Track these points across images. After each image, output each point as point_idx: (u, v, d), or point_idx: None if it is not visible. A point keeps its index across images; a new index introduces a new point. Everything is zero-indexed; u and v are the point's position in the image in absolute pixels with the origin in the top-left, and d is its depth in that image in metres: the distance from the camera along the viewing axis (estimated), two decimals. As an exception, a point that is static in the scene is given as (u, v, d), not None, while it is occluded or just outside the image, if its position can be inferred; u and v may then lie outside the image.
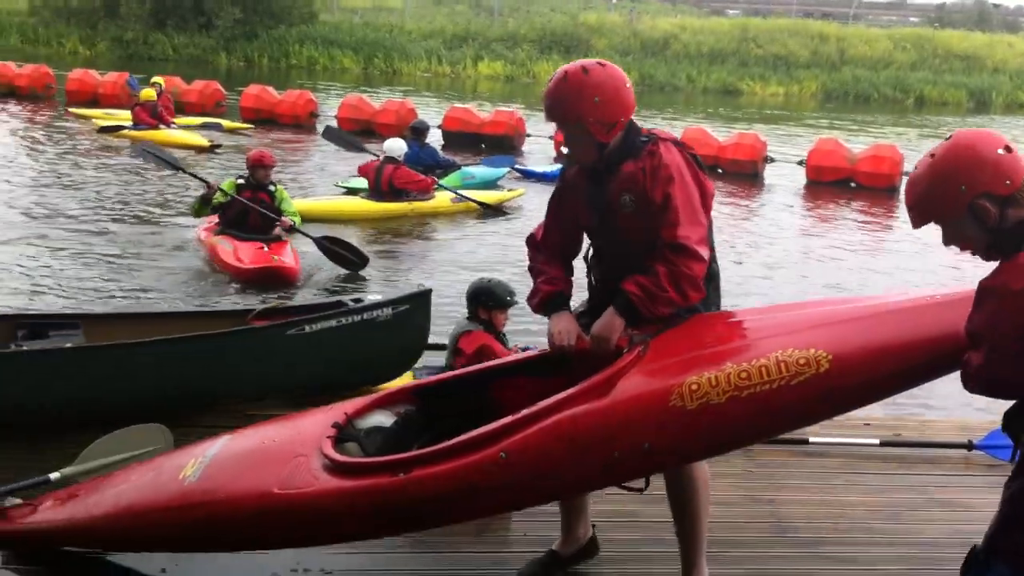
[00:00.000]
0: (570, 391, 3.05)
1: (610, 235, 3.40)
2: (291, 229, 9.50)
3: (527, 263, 3.58)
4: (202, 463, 3.45)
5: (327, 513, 3.18)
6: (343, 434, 3.39)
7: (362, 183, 12.70)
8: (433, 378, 3.83)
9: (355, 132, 19.10)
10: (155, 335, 5.40)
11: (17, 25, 43.66)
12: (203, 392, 5.26)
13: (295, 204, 10.08)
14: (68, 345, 5.24)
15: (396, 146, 12.28)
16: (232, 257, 9.04)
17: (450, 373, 3.93)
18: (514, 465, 2.99)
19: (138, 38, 42.65)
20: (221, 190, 9.43)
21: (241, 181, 9.51)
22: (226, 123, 19.66)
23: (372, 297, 6.16)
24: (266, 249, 9.20)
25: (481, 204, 12.59)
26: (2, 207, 11.10)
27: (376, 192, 12.08)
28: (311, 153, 17.38)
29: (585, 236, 3.54)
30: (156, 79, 20.65)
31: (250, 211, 9.39)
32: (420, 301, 5.84)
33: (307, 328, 5.43)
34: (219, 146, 16.52)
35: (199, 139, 16.89)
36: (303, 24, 45.60)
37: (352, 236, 10.59)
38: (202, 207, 9.56)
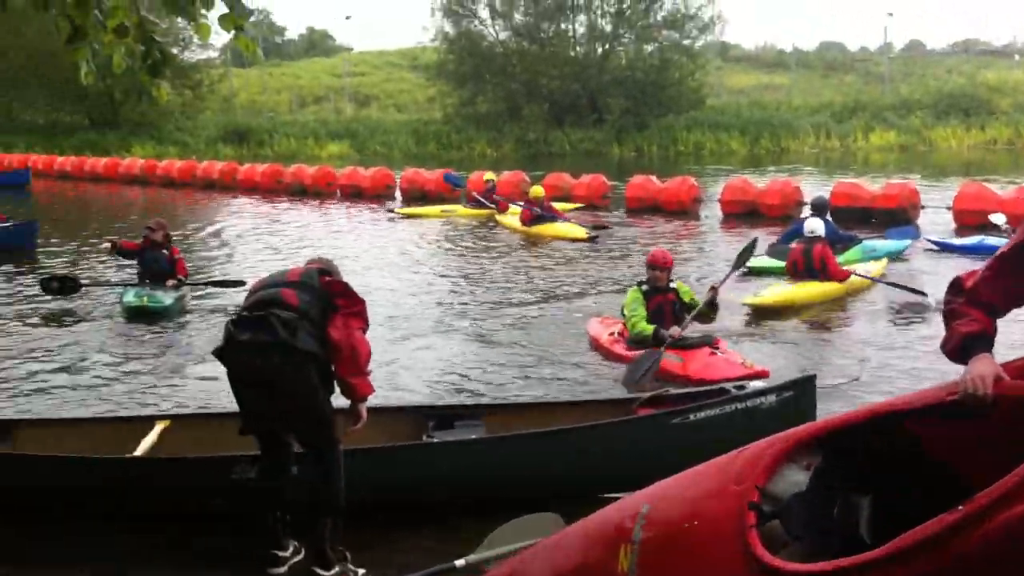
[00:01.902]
0: None
1: None
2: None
3: (943, 307, 3.14)
4: (634, 552, 3.14)
5: None
6: (754, 506, 2.88)
7: (768, 263, 12.71)
8: (835, 418, 3.22)
9: (740, 215, 19.31)
10: (550, 424, 5.67)
11: (433, 133, 48.32)
12: (592, 480, 5.42)
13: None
14: (472, 437, 5.66)
15: (818, 225, 11.90)
16: (689, 369, 8.08)
17: (856, 412, 3.23)
18: None
19: (539, 137, 45.70)
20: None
21: (645, 286, 8.81)
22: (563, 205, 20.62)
23: (755, 384, 6.10)
24: (719, 353, 8.34)
25: (903, 287, 11.48)
26: (403, 302, 11.94)
27: (807, 273, 11.50)
28: (697, 240, 17.47)
29: None
30: (489, 175, 22.60)
31: (665, 316, 8.66)
32: (805, 388, 5.64)
33: (691, 417, 5.44)
34: (597, 236, 17.08)
35: (578, 230, 17.58)
36: (690, 110, 46.46)
37: (791, 326, 10.42)
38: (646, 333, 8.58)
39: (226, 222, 22.10)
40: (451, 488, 5.26)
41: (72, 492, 5.12)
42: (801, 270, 11.61)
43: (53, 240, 17.93)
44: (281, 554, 4.75)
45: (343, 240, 18.27)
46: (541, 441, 5.40)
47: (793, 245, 12.15)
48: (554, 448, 5.41)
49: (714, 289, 8.72)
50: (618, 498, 5.42)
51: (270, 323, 4.45)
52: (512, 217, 19.37)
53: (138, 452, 5.46)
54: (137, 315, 10.92)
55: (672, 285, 8.84)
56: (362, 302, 4.74)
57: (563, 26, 50.91)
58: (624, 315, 8.89)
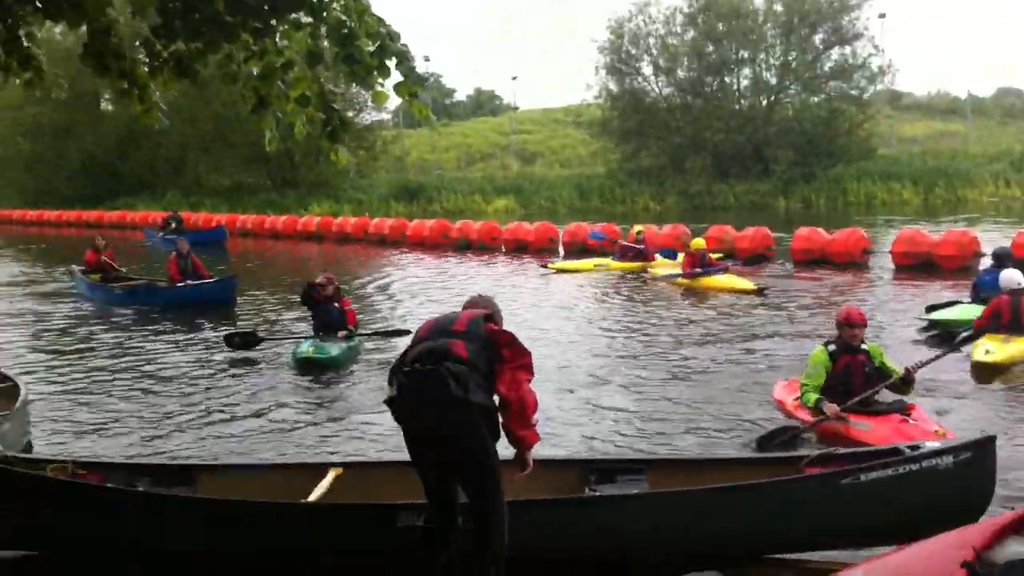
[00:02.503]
0: None
1: None
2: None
3: None
4: None
5: None
6: (967, 565, 2.86)
7: (953, 315, 12.15)
8: None
9: (913, 267, 18.65)
10: (714, 481, 5.58)
11: (597, 187, 48.69)
12: (757, 540, 5.33)
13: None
14: (634, 492, 5.61)
15: (1017, 276, 11.18)
16: (876, 436, 7.45)
17: None
18: None
19: (702, 190, 45.42)
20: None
21: (833, 346, 8.24)
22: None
23: (930, 444, 5.87)
24: (911, 421, 7.73)
25: None
26: (563, 354, 11.99)
27: (1014, 326, 10.65)
28: (867, 293, 16.88)
29: None
30: (638, 227, 22.56)
31: (854, 378, 8.07)
32: (984, 449, 5.33)
33: (862, 477, 5.23)
34: (767, 288, 16.78)
35: (745, 283, 17.32)
36: (860, 160, 45.31)
37: (997, 387, 9.85)
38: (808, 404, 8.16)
39: (394, 275, 22.81)
40: (612, 543, 5.23)
41: (245, 535, 5.31)
42: (1006, 323, 10.69)
43: (248, 294, 18.67)
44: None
45: (501, 293, 18.52)
46: (706, 498, 5.32)
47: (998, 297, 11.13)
48: (719, 505, 5.32)
49: (913, 369, 8.08)
50: (784, 559, 5.35)
51: (442, 377, 4.53)
52: (671, 270, 19.27)
53: (311, 498, 5.65)
54: (307, 366, 11.38)
55: (864, 346, 8.22)
56: (528, 353, 4.80)
57: (727, 80, 50.71)
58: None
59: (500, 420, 4.71)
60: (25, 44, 5.26)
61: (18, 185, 60.72)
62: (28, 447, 7.69)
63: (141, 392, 10.55)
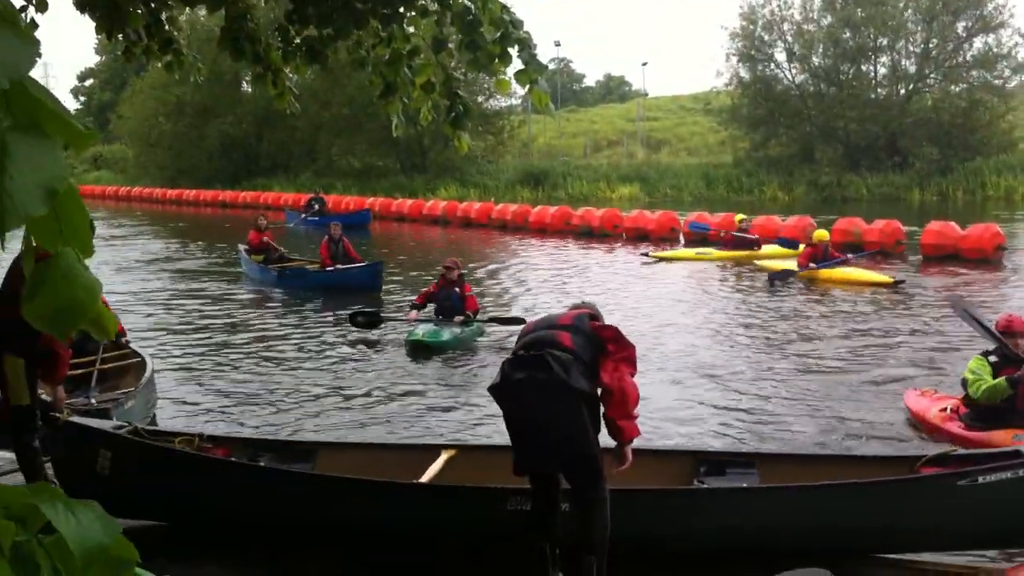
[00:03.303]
0: None
1: None
2: None
3: None
4: None
5: None
6: None
7: None
8: None
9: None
10: (825, 478, 5.51)
11: (723, 176, 47.96)
12: (869, 539, 5.27)
13: None
14: (743, 485, 5.58)
15: None
16: None
17: None
18: None
19: (833, 181, 44.27)
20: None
21: (993, 357, 7.66)
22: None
23: (1053, 447, 5.68)
24: None
25: None
26: (672, 345, 11.91)
27: None
28: (999, 292, 16.21)
29: None
30: (740, 216, 22.41)
31: (1020, 392, 7.44)
32: None
33: (980, 479, 5.10)
34: (903, 282, 16.31)
35: (880, 276, 16.90)
36: (1001, 153, 43.50)
37: None
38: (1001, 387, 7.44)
39: (514, 261, 23.00)
40: (718, 537, 5.22)
41: (359, 511, 5.47)
42: None
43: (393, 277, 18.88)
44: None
45: (612, 280, 18.47)
46: (817, 494, 5.26)
47: None
48: (831, 502, 5.27)
49: None
50: (897, 559, 5.25)
51: (546, 362, 4.66)
52: (783, 261, 18.92)
53: (424, 478, 5.79)
54: (418, 349, 11.66)
55: None
56: (632, 347, 4.89)
57: (863, 67, 49.23)
58: (966, 384, 7.72)
59: (601, 411, 4.77)
60: (166, 27, 5.52)
61: (160, 163, 63.15)
62: (152, 421, 8.05)
63: (269, 370, 10.98)
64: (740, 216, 22.55)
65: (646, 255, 21.64)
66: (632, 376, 4.81)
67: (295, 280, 17.89)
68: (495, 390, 4.90)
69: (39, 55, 1.23)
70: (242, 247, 20.42)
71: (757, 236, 21.47)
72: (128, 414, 7.37)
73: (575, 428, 4.68)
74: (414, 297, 13.44)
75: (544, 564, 4.95)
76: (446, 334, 11.87)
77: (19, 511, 1.13)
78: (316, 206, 34.82)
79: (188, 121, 59.70)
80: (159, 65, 5.72)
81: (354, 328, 12.81)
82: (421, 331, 11.98)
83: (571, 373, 4.64)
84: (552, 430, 4.72)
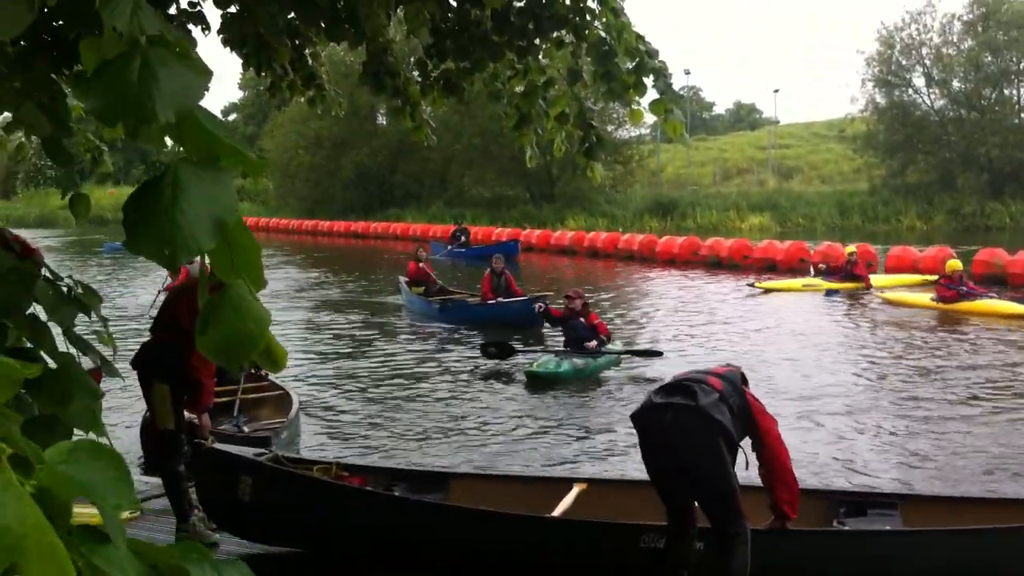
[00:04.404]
0: None
1: None
2: None
3: None
4: None
5: None
6: None
7: None
8: None
9: None
10: (970, 520, 5.33)
11: (858, 205, 46.66)
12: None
13: None
14: (886, 528, 5.38)
15: None
16: None
17: None
18: None
19: (975, 210, 42.65)
20: None
21: None
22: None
23: None
24: None
25: None
26: (804, 382, 11.61)
27: None
28: None
29: None
30: (850, 248, 21.95)
31: None
32: None
33: None
34: None
35: (1016, 307, 16.18)
36: None
37: None
38: None
39: (636, 292, 22.85)
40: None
41: (491, 543, 5.48)
42: None
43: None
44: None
45: (737, 311, 18.15)
46: (955, 540, 5.04)
47: None
48: (970, 548, 5.04)
49: None
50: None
51: (693, 391, 4.71)
52: (919, 293, 18.48)
53: (556, 512, 5.75)
54: (535, 380, 11.62)
55: None
56: (775, 421, 4.98)
57: (1006, 92, 47.39)
58: None
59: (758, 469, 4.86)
60: (309, 63, 5.72)
61: (299, 195, 65.15)
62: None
63: (413, 401, 11.09)
64: (850, 248, 22.10)
65: (751, 285, 21.34)
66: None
67: (456, 313, 17.40)
68: (637, 416, 4.92)
69: (208, 87, 1.29)
70: (402, 279, 20.20)
71: (863, 274, 21.03)
72: (283, 444, 7.61)
73: (714, 460, 4.64)
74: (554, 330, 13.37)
75: None
76: (564, 365, 11.84)
77: (167, 571, 1.13)
78: (462, 237, 34.94)
79: (325, 153, 61.49)
80: (302, 100, 5.92)
81: (487, 359, 12.86)
82: (537, 363, 12.01)
83: (716, 408, 4.66)
84: (689, 458, 4.70)
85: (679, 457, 4.73)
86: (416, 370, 12.97)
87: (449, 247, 33.47)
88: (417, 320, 18.03)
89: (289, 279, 27.30)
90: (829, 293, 19.43)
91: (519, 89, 5.17)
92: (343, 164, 60.36)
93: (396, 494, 6.03)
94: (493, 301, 16.90)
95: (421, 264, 19.50)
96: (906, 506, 5.76)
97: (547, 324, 14.03)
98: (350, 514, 5.69)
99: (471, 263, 29.80)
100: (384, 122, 59.50)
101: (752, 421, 4.83)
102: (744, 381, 5.14)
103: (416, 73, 5.40)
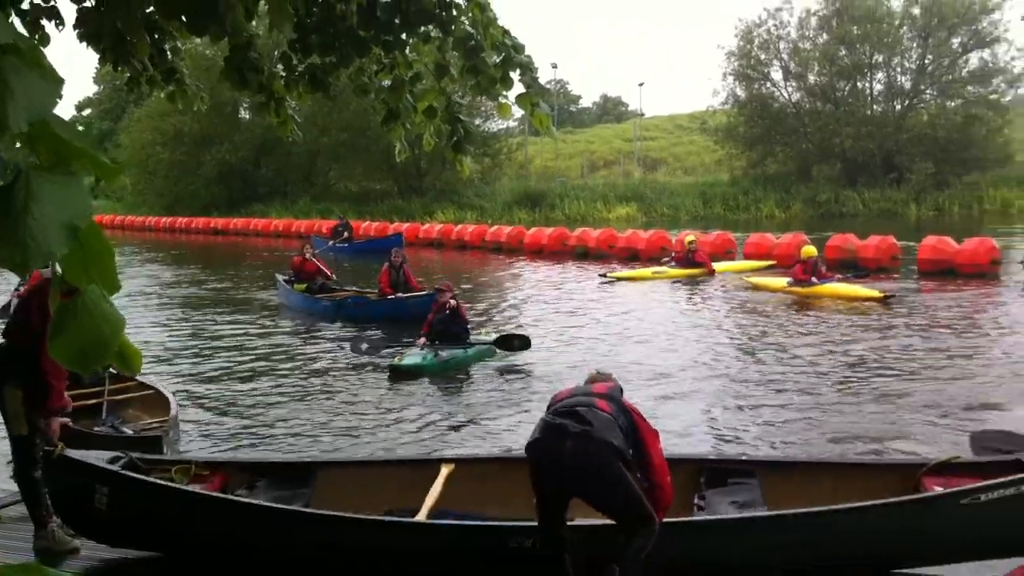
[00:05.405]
0: None
1: None
2: None
3: None
4: None
5: None
6: None
7: None
8: None
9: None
10: (827, 485, 5.55)
11: (720, 195, 48.10)
12: (869, 557, 5.20)
13: None
14: (752, 514, 5.39)
15: None
16: None
17: None
18: None
19: (830, 198, 44.42)
20: None
21: None
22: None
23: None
24: None
25: None
26: (670, 363, 11.88)
27: None
28: (997, 307, 16.15)
29: None
30: (690, 236, 23.03)
31: None
32: None
33: (982, 497, 5.04)
34: (892, 296, 16.32)
35: (869, 290, 16.90)
36: (997, 168, 43.72)
37: None
38: None
39: (506, 283, 23.02)
40: (725, 560, 5.20)
41: (354, 547, 5.39)
42: None
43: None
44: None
45: (604, 299, 18.50)
46: (818, 519, 5.18)
47: None
48: (832, 525, 5.21)
49: None
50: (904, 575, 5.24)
51: (586, 419, 4.81)
52: (777, 279, 19.18)
53: (428, 497, 5.71)
54: (398, 374, 11.59)
55: None
56: (656, 431, 5.10)
57: (859, 84, 49.50)
58: None
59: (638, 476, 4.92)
60: (170, 57, 5.53)
61: (158, 191, 63.29)
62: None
63: (278, 396, 10.94)
64: (690, 238, 22.91)
65: (604, 276, 21.74)
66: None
67: (355, 310, 16.81)
68: (533, 446, 4.93)
69: (61, 95, 1.24)
70: (281, 276, 19.58)
71: (704, 260, 21.97)
72: (173, 443, 7.52)
73: (617, 483, 4.76)
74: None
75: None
76: (429, 358, 11.93)
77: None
78: (345, 232, 34.14)
79: (186, 149, 59.86)
80: (162, 95, 5.73)
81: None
82: (398, 357, 12.06)
83: (612, 433, 4.79)
84: (591, 486, 4.82)
85: (580, 483, 4.83)
86: (288, 366, 12.78)
87: (332, 242, 32.85)
88: (298, 317, 17.55)
89: (150, 277, 26.52)
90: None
91: (386, 83, 5.13)
92: (205, 160, 58.84)
93: (251, 501, 5.83)
94: (392, 296, 16.40)
95: (310, 258, 18.97)
96: (764, 472, 5.94)
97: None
98: (207, 521, 5.57)
99: (355, 258, 29.53)
100: (248, 117, 58.21)
101: (638, 437, 4.95)
102: (620, 391, 5.25)
103: (281, 67, 5.29)
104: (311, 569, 5.49)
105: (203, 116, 51.79)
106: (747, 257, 24.03)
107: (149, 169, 62.42)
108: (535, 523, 5.03)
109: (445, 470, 6.08)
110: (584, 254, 27.64)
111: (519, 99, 4.78)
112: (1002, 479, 5.19)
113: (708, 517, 5.56)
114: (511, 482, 5.59)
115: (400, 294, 16.33)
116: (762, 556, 5.19)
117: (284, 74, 5.24)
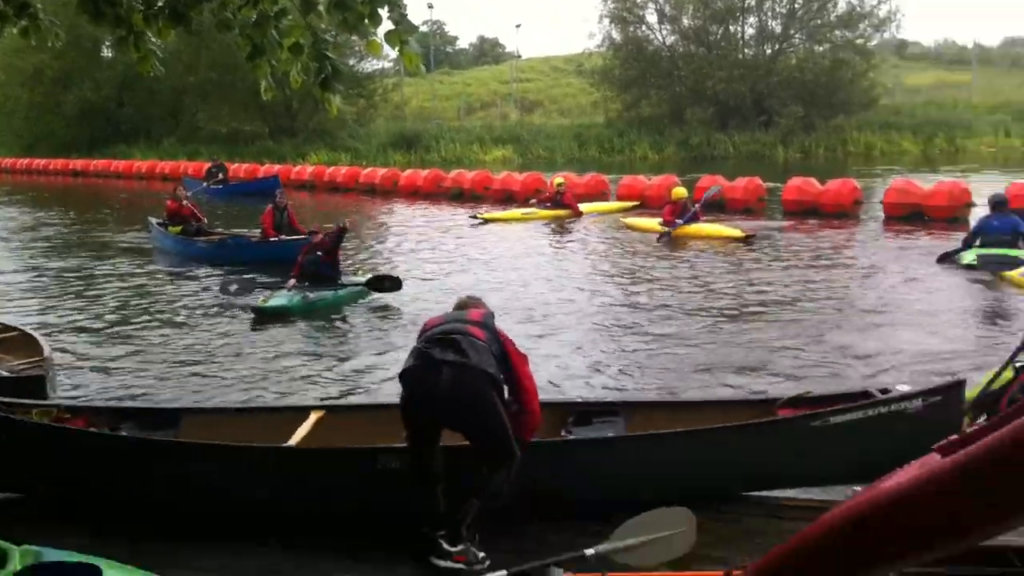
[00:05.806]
0: None
1: None
2: None
3: None
4: None
5: None
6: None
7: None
8: None
9: (903, 217, 18.80)
10: (688, 422, 5.71)
11: (595, 137, 48.54)
12: (729, 480, 5.52)
13: None
14: (609, 435, 5.73)
15: None
16: None
17: None
18: None
19: (702, 140, 45.29)
20: None
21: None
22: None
23: (900, 387, 5.97)
24: None
25: None
26: (542, 302, 12.15)
27: None
28: (858, 245, 16.82)
29: None
30: (559, 179, 23.33)
31: None
32: (952, 393, 5.48)
33: (831, 420, 5.38)
34: (753, 236, 16.85)
35: (732, 230, 17.40)
36: (862, 111, 45.16)
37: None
38: None
39: (381, 225, 22.90)
40: (587, 485, 5.38)
41: (223, 479, 5.38)
42: None
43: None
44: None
45: (480, 239, 18.62)
46: (679, 441, 5.45)
47: None
48: (692, 448, 5.46)
49: None
50: (756, 497, 5.53)
51: (460, 346, 4.86)
52: (648, 219, 19.46)
53: (293, 440, 5.68)
54: (263, 315, 11.49)
55: None
56: (525, 356, 5.24)
57: (731, 28, 50.31)
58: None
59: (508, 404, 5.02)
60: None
61: (16, 132, 60.41)
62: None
63: (145, 342, 10.69)
64: (559, 180, 23.19)
65: (475, 217, 21.86)
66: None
67: (237, 252, 16.21)
68: (407, 373, 4.93)
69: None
70: (154, 220, 18.88)
71: (571, 203, 22.27)
72: (54, 383, 7.37)
73: (490, 411, 4.82)
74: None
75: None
76: (295, 299, 11.85)
77: None
78: (219, 174, 33.19)
79: (45, 89, 57.08)
80: (14, 31, 5.49)
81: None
82: (265, 298, 11.94)
83: (486, 361, 4.85)
84: (465, 413, 4.86)
85: (455, 414, 4.86)
86: (156, 309, 12.52)
87: (206, 184, 31.78)
88: (172, 261, 17.08)
89: (7, 220, 25.44)
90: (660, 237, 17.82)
91: (251, 19, 5.02)
92: (65, 99, 56.22)
93: (114, 433, 5.81)
94: (276, 239, 15.92)
95: (185, 202, 18.36)
96: (628, 412, 6.13)
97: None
98: (70, 456, 5.51)
99: (231, 200, 28.82)
100: (111, 55, 55.76)
101: (508, 362, 5.02)
102: (492, 317, 5.32)
103: (140, 1, 5.13)
104: (176, 504, 5.44)
105: (63, 54, 49.49)
106: (619, 199, 24.35)
107: (6, 110, 59.50)
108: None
109: (314, 416, 6.07)
110: (459, 196, 27.58)
111: (388, 36, 4.75)
112: (851, 403, 5.54)
113: (565, 438, 5.75)
114: (381, 426, 5.64)
115: (284, 236, 15.95)
116: (618, 483, 5.39)
117: (143, 8, 5.09)
